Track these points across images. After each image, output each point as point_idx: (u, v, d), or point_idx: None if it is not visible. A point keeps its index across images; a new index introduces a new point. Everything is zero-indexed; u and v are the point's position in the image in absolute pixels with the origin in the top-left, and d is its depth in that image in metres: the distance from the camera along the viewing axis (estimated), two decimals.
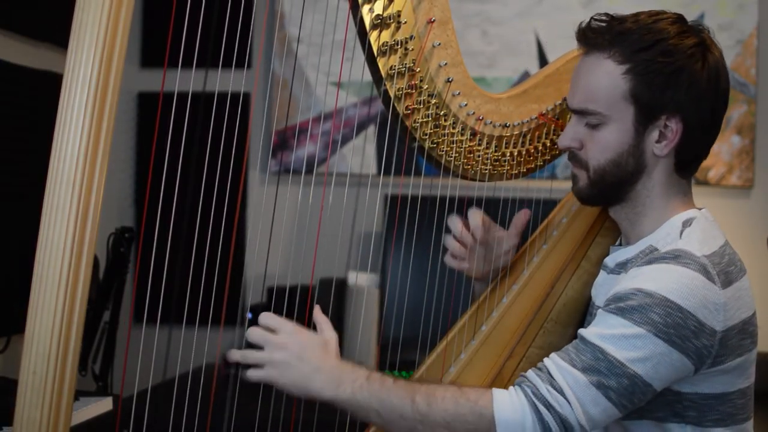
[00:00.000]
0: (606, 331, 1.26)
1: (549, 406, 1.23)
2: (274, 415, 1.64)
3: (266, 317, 1.31)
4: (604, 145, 1.38)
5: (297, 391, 1.29)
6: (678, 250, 1.30)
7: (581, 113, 1.39)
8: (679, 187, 1.41)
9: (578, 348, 1.27)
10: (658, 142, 1.36)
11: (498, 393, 1.25)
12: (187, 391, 1.51)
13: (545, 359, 1.29)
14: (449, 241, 1.61)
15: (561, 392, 1.24)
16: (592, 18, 1.40)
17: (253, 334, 1.30)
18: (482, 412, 1.23)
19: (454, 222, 1.60)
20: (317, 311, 1.36)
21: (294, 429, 1.76)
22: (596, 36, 1.37)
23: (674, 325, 1.24)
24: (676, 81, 1.33)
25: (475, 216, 1.59)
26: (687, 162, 1.40)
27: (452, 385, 1.28)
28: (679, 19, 1.38)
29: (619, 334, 1.25)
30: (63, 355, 1.08)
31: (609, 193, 1.42)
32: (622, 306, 1.27)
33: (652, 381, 1.25)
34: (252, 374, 1.29)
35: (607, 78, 1.35)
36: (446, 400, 1.25)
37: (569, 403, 1.23)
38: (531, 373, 1.28)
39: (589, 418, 1.24)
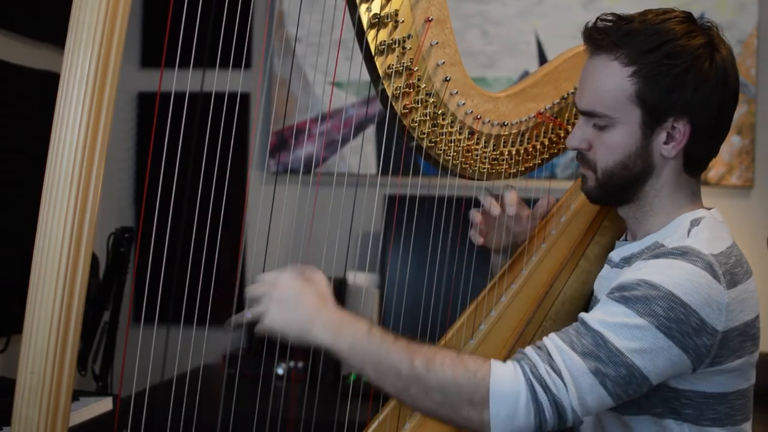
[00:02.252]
0: (608, 318, 1.25)
1: (545, 387, 1.21)
2: (272, 414, 1.64)
3: (262, 276, 1.30)
4: (612, 147, 1.37)
5: (298, 335, 1.27)
6: (685, 247, 1.30)
7: (589, 115, 1.39)
8: (688, 187, 1.41)
9: (579, 332, 1.26)
10: (666, 143, 1.36)
11: (496, 365, 1.23)
12: (186, 391, 1.51)
13: (544, 338, 1.27)
14: (473, 213, 1.62)
15: (559, 374, 1.22)
16: (598, 18, 1.38)
17: (252, 289, 1.30)
18: (479, 383, 1.21)
19: (486, 197, 1.61)
20: (295, 267, 1.32)
21: (293, 428, 1.77)
22: (602, 37, 1.36)
23: (676, 320, 1.23)
24: (683, 83, 1.32)
25: (512, 194, 1.60)
26: (696, 162, 1.39)
27: (451, 351, 1.26)
28: (688, 17, 1.37)
29: (621, 323, 1.24)
30: (61, 355, 1.08)
31: (617, 193, 1.41)
32: (626, 295, 1.26)
33: (648, 374, 1.24)
34: (258, 328, 1.28)
35: (614, 80, 1.34)
36: (445, 366, 1.23)
37: (566, 386, 1.22)
38: (530, 351, 1.26)
39: (583, 404, 1.23)
